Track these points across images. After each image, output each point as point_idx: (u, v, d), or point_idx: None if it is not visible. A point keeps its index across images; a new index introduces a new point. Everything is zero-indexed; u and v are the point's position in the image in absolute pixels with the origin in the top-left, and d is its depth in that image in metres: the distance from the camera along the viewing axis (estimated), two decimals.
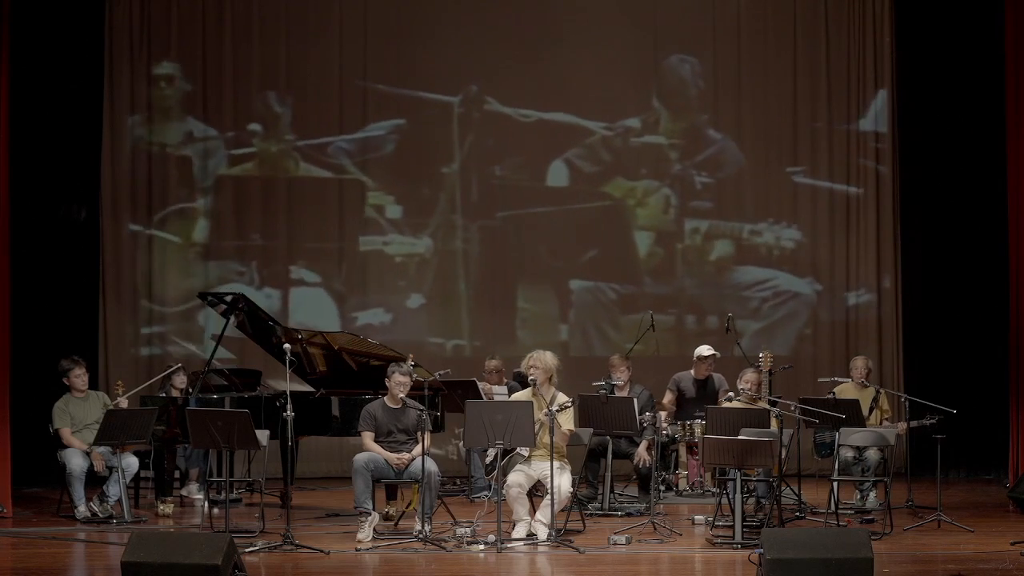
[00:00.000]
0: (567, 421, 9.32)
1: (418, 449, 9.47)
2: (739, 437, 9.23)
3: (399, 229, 14.21)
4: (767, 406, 10.24)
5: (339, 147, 14.16)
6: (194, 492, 11.53)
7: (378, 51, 14.10)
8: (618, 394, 10.83)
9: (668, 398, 11.45)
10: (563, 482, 9.10)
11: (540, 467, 9.22)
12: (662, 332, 13.22)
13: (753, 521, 9.56)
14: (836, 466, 10.08)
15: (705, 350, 11.46)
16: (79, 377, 10.59)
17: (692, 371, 11.50)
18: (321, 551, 8.76)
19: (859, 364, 11.30)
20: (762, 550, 7.50)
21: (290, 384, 9.62)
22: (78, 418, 10.50)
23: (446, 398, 10.86)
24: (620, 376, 11.12)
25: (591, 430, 10.08)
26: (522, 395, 9.71)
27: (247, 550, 8.57)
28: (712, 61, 13.88)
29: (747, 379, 10.54)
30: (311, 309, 13.94)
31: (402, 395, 9.64)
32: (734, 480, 9.00)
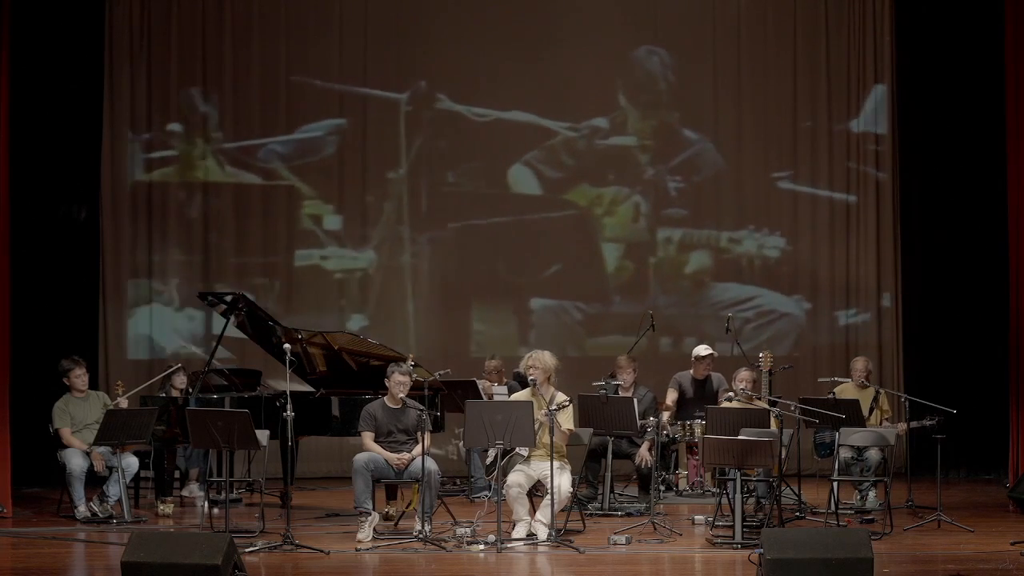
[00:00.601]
0: (566, 420, 9.32)
1: (418, 449, 9.47)
2: (739, 437, 9.23)
3: (339, 241, 13.49)
4: (765, 405, 10.25)
5: (271, 150, 13.46)
6: (194, 492, 11.53)
7: (315, 44, 13.42)
8: (622, 395, 10.82)
9: (671, 397, 11.44)
10: (563, 482, 9.10)
11: (540, 467, 9.22)
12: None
13: (753, 521, 9.56)
14: (836, 466, 10.08)
15: (703, 350, 11.45)
16: (79, 377, 10.58)
17: (691, 371, 11.49)
18: (321, 551, 8.76)
19: (859, 365, 11.30)
20: (762, 550, 7.51)
21: (290, 384, 9.62)
22: (78, 418, 10.50)
23: (446, 398, 10.86)
24: (626, 377, 11.11)
25: (591, 430, 10.08)
26: (522, 395, 9.71)
27: (247, 550, 8.57)
28: (713, 61, 13.68)
29: (742, 377, 10.56)
30: (238, 331, 12.81)
31: (402, 395, 9.64)
32: (734, 480, 9.01)
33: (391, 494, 10.34)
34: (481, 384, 11.53)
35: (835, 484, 9.93)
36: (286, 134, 13.54)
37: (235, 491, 11.04)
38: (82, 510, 10.19)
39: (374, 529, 9.35)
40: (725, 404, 10.32)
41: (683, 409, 11.43)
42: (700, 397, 11.32)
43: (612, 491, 10.70)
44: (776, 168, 13.70)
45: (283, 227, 13.54)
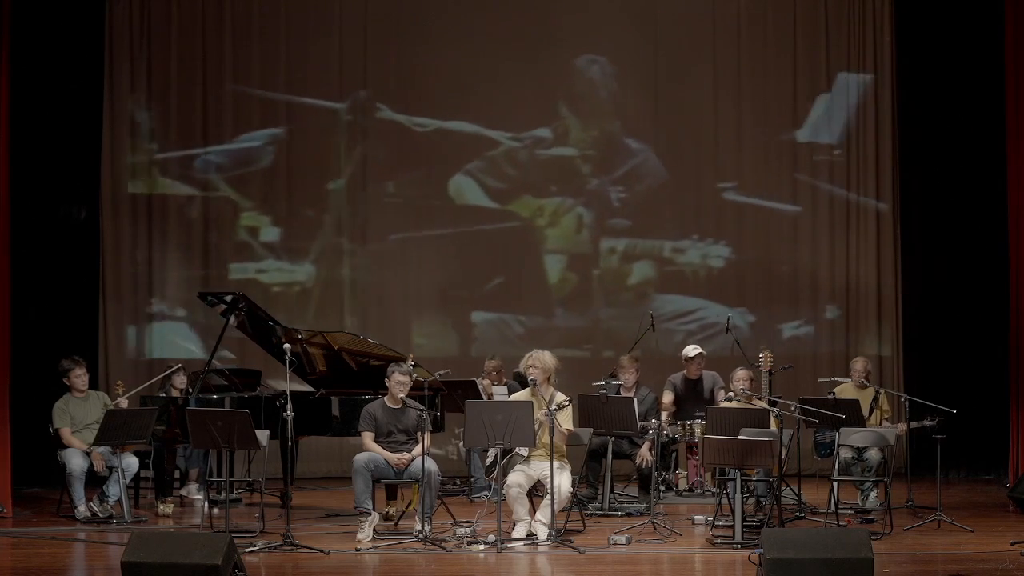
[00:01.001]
0: (566, 420, 9.32)
1: (418, 449, 9.47)
2: (739, 437, 9.23)
3: (276, 254, 13.29)
4: (764, 404, 10.25)
5: (207, 160, 13.26)
6: (194, 492, 11.53)
7: (252, 50, 13.25)
8: (623, 395, 10.81)
9: (668, 398, 11.45)
10: (563, 482, 9.11)
11: (540, 467, 9.22)
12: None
13: (753, 521, 9.56)
14: (836, 466, 10.08)
15: (691, 351, 11.47)
16: (79, 377, 10.58)
17: (684, 372, 11.51)
18: (321, 551, 8.75)
19: (858, 366, 11.31)
20: (762, 550, 7.51)
21: (290, 384, 9.62)
22: (78, 418, 10.50)
23: (446, 398, 10.86)
24: (627, 377, 11.11)
25: (591, 430, 10.09)
26: (521, 395, 9.71)
27: (247, 550, 8.57)
28: (712, 62, 13.69)
29: (739, 377, 10.56)
30: (172, 346, 13.09)
31: (402, 395, 9.64)
32: (734, 480, 9.01)
33: (391, 494, 10.34)
34: (481, 384, 11.53)
35: (835, 484, 9.93)
36: (223, 143, 13.39)
37: (235, 491, 11.04)
38: (82, 510, 10.19)
39: (374, 529, 9.35)
40: (725, 404, 10.32)
41: (678, 409, 11.45)
42: (693, 397, 11.35)
43: (612, 491, 10.70)
44: (721, 178, 13.56)
45: (219, 240, 13.36)
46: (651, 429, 10.56)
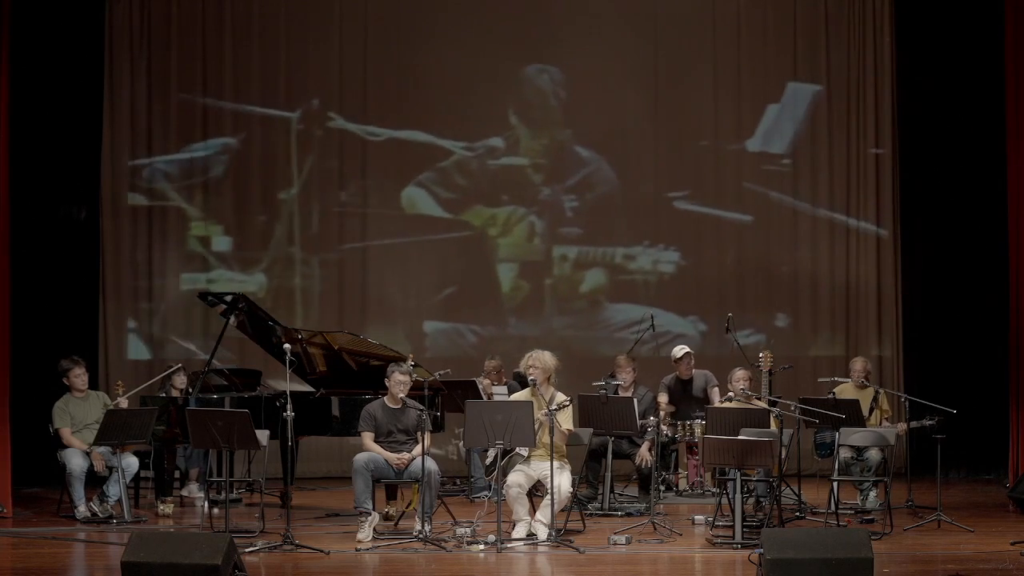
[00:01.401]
0: (566, 420, 9.32)
1: (418, 449, 9.47)
2: (739, 437, 9.23)
3: (227, 264, 13.18)
4: (764, 404, 10.25)
5: (157, 169, 13.22)
6: (194, 492, 11.53)
7: (204, 59, 13.17)
8: (621, 395, 10.82)
9: (663, 399, 11.48)
10: (563, 482, 9.11)
11: (540, 467, 9.22)
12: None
13: (753, 521, 9.56)
14: (836, 466, 10.08)
15: (678, 351, 11.50)
16: (79, 377, 10.58)
17: (675, 373, 11.52)
18: (321, 551, 8.75)
19: (857, 366, 11.30)
20: (762, 550, 7.51)
21: (290, 384, 9.62)
22: (78, 418, 10.50)
23: (446, 398, 10.86)
24: (625, 377, 11.11)
25: (591, 430, 10.09)
26: (521, 395, 9.71)
27: (247, 550, 8.57)
28: (713, 61, 13.71)
29: (738, 377, 10.56)
30: (172, 346, 13.00)
31: (402, 395, 9.64)
32: (734, 480, 9.01)
33: (391, 494, 10.34)
34: (481, 384, 11.53)
35: (835, 484, 9.93)
36: (174, 153, 13.35)
37: (235, 491, 11.04)
38: (82, 510, 10.19)
39: (374, 529, 9.35)
40: (724, 404, 10.33)
41: (675, 410, 11.46)
42: (687, 397, 11.38)
43: (612, 491, 10.70)
44: (672, 187, 13.54)
45: (169, 249, 13.29)
46: (650, 427, 10.56)
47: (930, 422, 10.65)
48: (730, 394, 10.51)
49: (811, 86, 13.69)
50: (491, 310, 13.47)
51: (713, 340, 13.36)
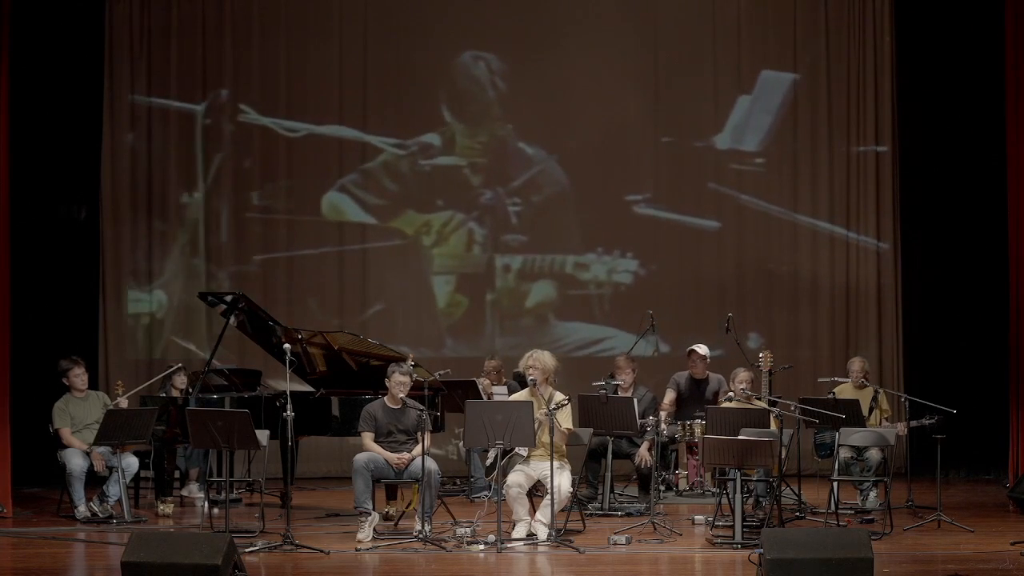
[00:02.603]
0: (565, 419, 9.32)
1: (418, 449, 9.47)
2: (739, 437, 9.23)
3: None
4: (764, 404, 10.25)
5: (156, 166, 12.76)
6: (194, 492, 11.53)
7: (204, 60, 12.68)
8: (621, 395, 10.82)
9: (669, 397, 11.45)
10: (563, 482, 9.11)
11: (540, 467, 9.22)
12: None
13: (753, 521, 9.55)
14: (836, 466, 10.08)
15: (702, 348, 11.45)
16: (78, 377, 10.58)
17: (689, 371, 11.50)
18: (321, 551, 8.75)
19: (856, 366, 11.29)
20: (762, 550, 7.50)
21: (290, 384, 9.62)
22: (78, 418, 10.49)
23: (446, 398, 10.86)
24: (625, 377, 11.11)
25: (591, 430, 10.09)
26: (521, 395, 9.71)
27: (247, 550, 8.57)
28: (713, 63, 13.69)
29: (741, 378, 10.56)
30: (172, 346, 12.62)
31: (402, 395, 9.64)
32: (734, 480, 9.01)
33: (391, 494, 10.34)
34: (481, 384, 11.53)
35: (835, 484, 9.93)
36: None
37: (235, 491, 11.03)
38: (82, 510, 10.19)
39: (374, 529, 9.35)
40: (725, 404, 10.33)
41: (680, 409, 11.44)
42: (697, 397, 11.34)
43: (612, 491, 10.70)
44: (631, 190, 12.76)
45: (169, 249, 12.81)
46: (649, 426, 10.56)
47: (930, 421, 10.65)
48: (730, 394, 10.51)
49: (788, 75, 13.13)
50: (425, 329, 12.55)
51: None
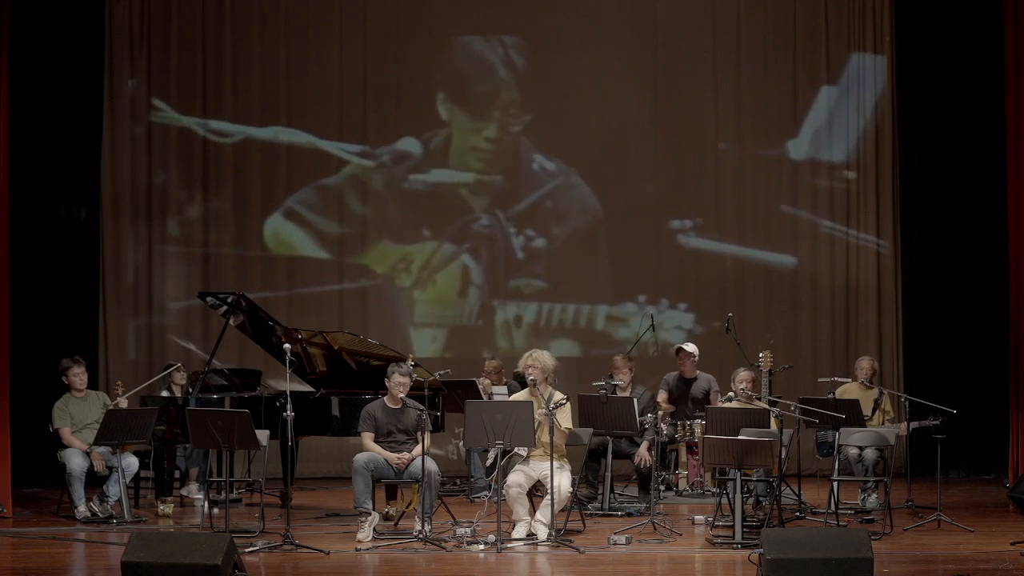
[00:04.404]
0: (565, 419, 9.33)
1: (418, 449, 9.47)
2: (739, 437, 9.23)
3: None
4: (765, 405, 10.25)
5: (157, 167, 12.56)
6: (194, 492, 11.53)
7: (204, 60, 12.41)
8: (620, 395, 10.82)
9: (662, 396, 11.48)
10: (563, 482, 9.11)
11: (540, 467, 9.22)
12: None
13: (753, 521, 9.56)
14: (836, 466, 10.08)
15: (690, 346, 11.46)
16: (77, 376, 10.58)
17: (678, 371, 11.51)
18: (321, 551, 8.75)
19: (864, 365, 11.26)
20: (762, 550, 7.51)
21: (290, 384, 9.62)
22: (78, 418, 10.50)
23: (446, 398, 10.85)
24: (622, 377, 11.11)
25: (591, 430, 10.09)
26: (520, 395, 9.71)
27: (247, 550, 8.57)
28: (713, 62, 13.66)
29: (742, 378, 10.55)
30: (172, 346, 12.42)
31: (402, 395, 9.64)
32: (734, 480, 9.01)
33: (391, 494, 10.34)
34: (481, 384, 11.53)
35: (835, 484, 9.93)
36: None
37: (235, 491, 11.04)
38: (82, 510, 10.19)
39: (374, 529, 9.35)
40: (725, 404, 10.33)
41: (674, 409, 11.47)
42: (687, 396, 11.36)
43: (612, 491, 10.70)
44: (674, 213, 12.08)
45: (170, 249, 12.36)
46: (647, 424, 10.56)
47: (932, 423, 10.64)
48: (730, 394, 10.51)
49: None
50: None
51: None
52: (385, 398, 9.73)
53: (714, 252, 13.05)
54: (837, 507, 9.86)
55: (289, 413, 9.17)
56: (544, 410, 9.14)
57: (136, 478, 10.82)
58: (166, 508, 10.46)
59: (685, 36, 13.72)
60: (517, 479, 9.21)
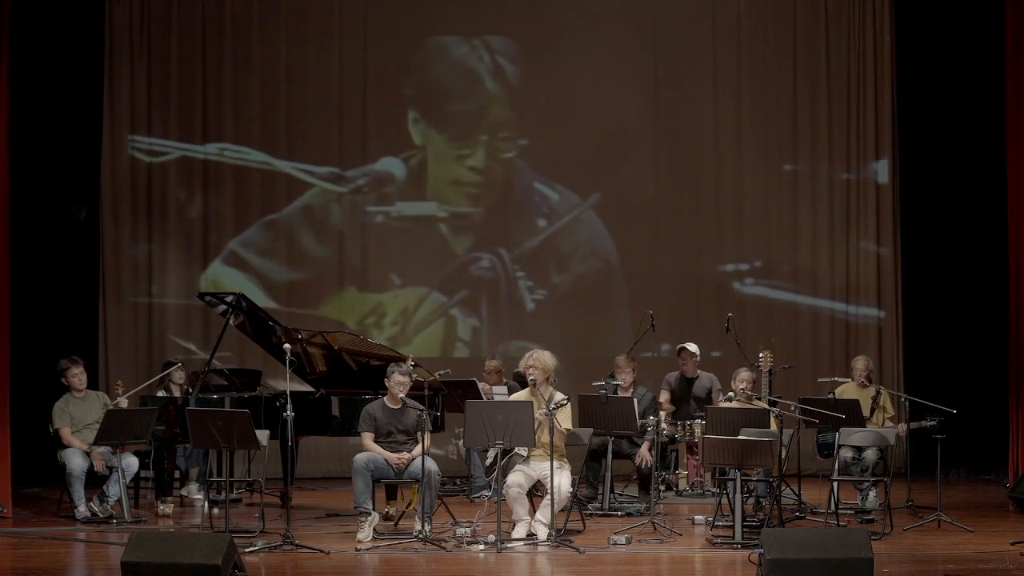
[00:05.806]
0: (565, 419, 9.32)
1: (418, 449, 9.47)
2: (739, 437, 9.23)
3: None
4: (765, 405, 10.25)
5: (157, 167, 12.61)
6: (194, 492, 11.53)
7: (204, 60, 12.46)
8: (621, 395, 10.82)
9: (664, 397, 11.48)
10: (563, 482, 9.11)
11: (540, 467, 9.22)
12: None
13: (753, 521, 9.56)
14: (836, 466, 10.08)
15: (690, 347, 11.47)
16: (76, 376, 10.58)
17: (679, 371, 11.51)
18: (321, 551, 8.75)
19: (860, 365, 11.29)
20: (762, 550, 7.51)
21: (290, 384, 9.62)
22: (78, 418, 10.49)
23: (446, 398, 10.86)
24: (624, 377, 11.11)
25: (591, 430, 10.09)
26: (520, 395, 9.71)
27: (247, 550, 8.57)
28: (713, 63, 13.67)
29: (742, 378, 10.55)
30: (172, 346, 12.57)
31: (402, 395, 9.64)
32: (734, 480, 9.01)
33: (391, 494, 10.34)
34: (481, 384, 11.53)
35: (835, 484, 9.93)
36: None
37: (235, 491, 11.04)
38: (82, 510, 10.19)
39: (374, 529, 9.35)
40: (725, 404, 10.33)
41: (675, 409, 11.47)
42: (689, 396, 11.36)
43: (612, 491, 10.70)
44: (724, 255, 12.28)
45: (170, 248, 12.65)
46: (649, 426, 10.56)
47: (931, 423, 10.64)
48: (730, 394, 10.50)
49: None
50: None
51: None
52: (385, 398, 9.73)
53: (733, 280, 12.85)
54: (837, 507, 9.85)
55: (289, 413, 9.17)
56: (544, 410, 9.14)
57: (136, 478, 10.82)
58: (166, 508, 10.46)
59: (685, 38, 13.73)
60: (517, 479, 9.21)
